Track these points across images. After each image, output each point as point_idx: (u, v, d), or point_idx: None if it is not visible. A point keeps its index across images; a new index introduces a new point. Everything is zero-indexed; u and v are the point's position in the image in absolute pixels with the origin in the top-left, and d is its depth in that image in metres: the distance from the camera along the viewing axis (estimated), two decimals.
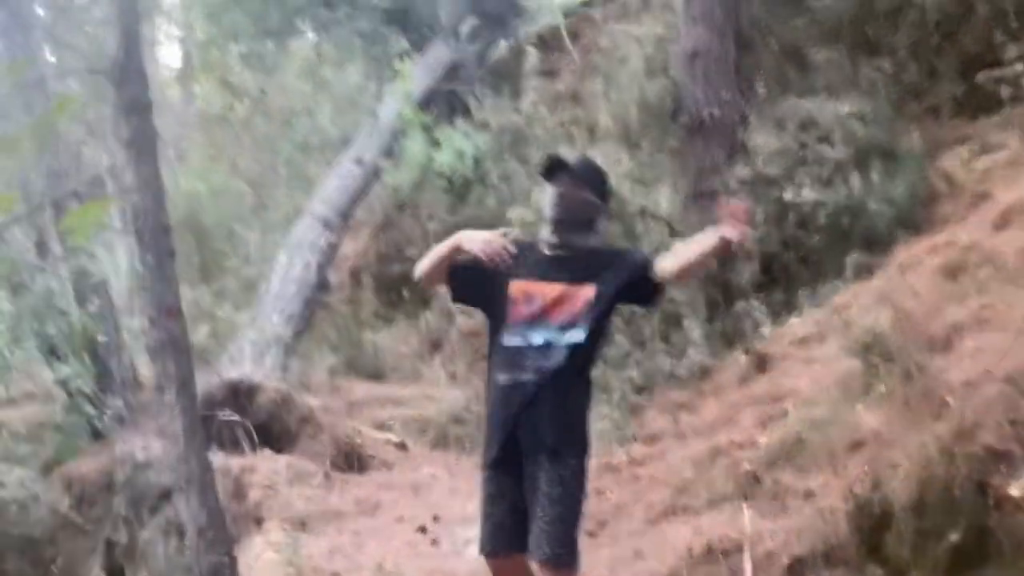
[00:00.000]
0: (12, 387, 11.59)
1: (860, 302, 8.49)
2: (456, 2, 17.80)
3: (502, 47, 18.84)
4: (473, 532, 5.64)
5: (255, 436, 10.04)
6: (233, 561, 7.45)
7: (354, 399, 11.84)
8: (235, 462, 9.56)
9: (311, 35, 19.28)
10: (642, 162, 11.94)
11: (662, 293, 5.63)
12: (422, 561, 8.08)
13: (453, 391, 11.81)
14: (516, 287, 5.25)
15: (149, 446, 9.46)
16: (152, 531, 9.54)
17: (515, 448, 5.15)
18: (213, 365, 11.54)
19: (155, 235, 7.03)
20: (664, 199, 11.22)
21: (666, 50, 12.33)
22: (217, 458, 9.27)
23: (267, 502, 9.10)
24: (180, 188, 16.22)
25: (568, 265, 5.26)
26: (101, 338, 10.66)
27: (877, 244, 9.67)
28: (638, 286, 5.33)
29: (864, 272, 9.30)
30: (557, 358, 5.12)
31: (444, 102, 16.38)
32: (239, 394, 10.37)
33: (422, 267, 5.50)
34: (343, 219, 13.62)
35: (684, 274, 5.52)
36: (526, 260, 5.34)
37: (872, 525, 5.96)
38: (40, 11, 12.05)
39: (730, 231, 4.97)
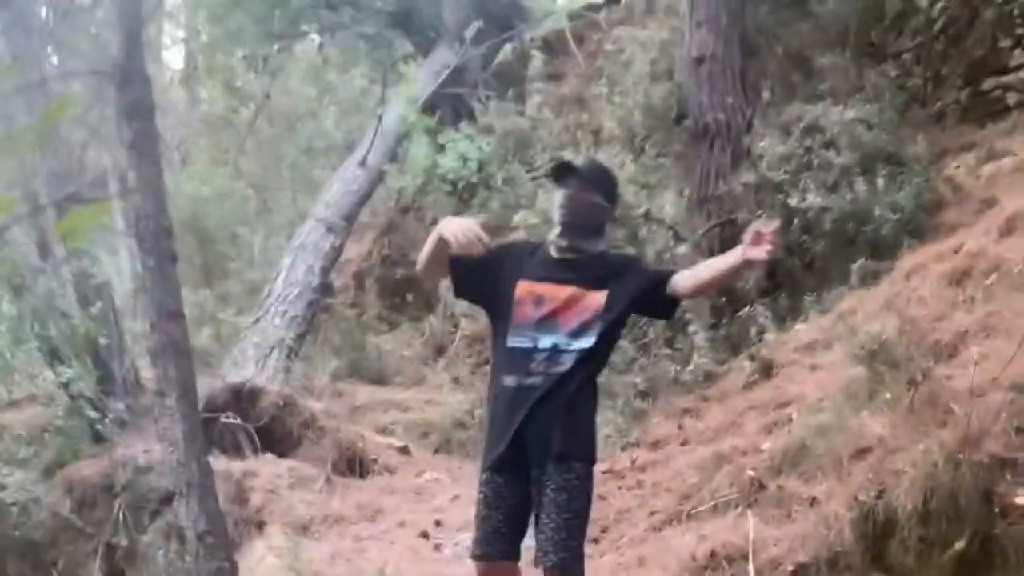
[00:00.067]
0: (14, 389, 11.58)
1: (866, 308, 8.46)
2: (461, 6, 17.79)
3: (507, 51, 18.86)
4: None
5: (257, 440, 10.03)
6: (234, 566, 7.42)
7: (357, 403, 11.82)
8: (237, 466, 9.54)
9: (315, 38, 19.28)
10: (646, 166, 11.93)
11: (676, 308, 5.62)
12: (424, 567, 8.04)
13: (456, 395, 11.80)
14: (523, 287, 5.18)
15: (150, 450, 9.43)
16: (153, 535, 9.52)
17: (520, 453, 5.07)
18: (215, 368, 11.52)
19: (156, 238, 6.99)
20: (668, 204, 11.20)
21: (671, 55, 12.31)
22: (219, 462, 9.26)
23: (269, 506, 9.07)
24: (183, 191, 16.21)
25: (577, 268, 5.20)
26: (103, 341, 10.63)
27: (883, 250, 9.65)
28: (653, 299, 5.30)
29: (870, 278, 9.27)
30: (566, 363, 5.05)
31: (448, 106, 16.38)
32: (241, 398, 10.36)
33: (419, 259, 5.46)
34: (347, 223, 13.59)
35: (701, 291, 5.55)
36: (533, 260, 5.28)
37: (877, 533, 5.93)
38: (43, 13, 12.01)
39: (756, 252, 4.93)
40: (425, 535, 8.55)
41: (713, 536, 6.67)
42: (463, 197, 14.82)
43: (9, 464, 10.27)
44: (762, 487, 6.93)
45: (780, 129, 10.71)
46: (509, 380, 5.11)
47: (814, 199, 9.96)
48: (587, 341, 5.08)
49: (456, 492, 9.30)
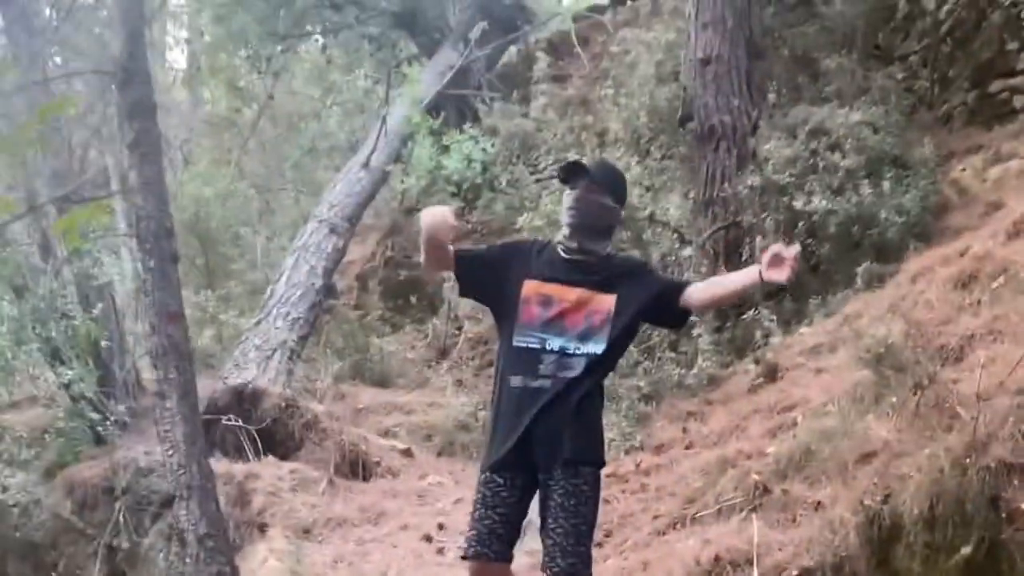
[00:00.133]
0: (15, 390, 11.57)
1: (871, 312, 8.42)
2: (465, 7, 17.76)
3: (511, 52, 18.85)
4: None
5: (259, 442, 10.00)
6: (234, 570, 7.40)
7: (359, 405, 11.79)
8: (238, 468, 9.51)
9: (319, 39, 19.26)
10: (651, 169, 11.91)
11: (687, 320, 5.59)
12: (427, 570, 8.02)
13: (460, 398, 11.78)
14: (530, 287, 5.11)
15: (152, 452, 9.41)
16: (154, 537, 9.51)
17: (524, 455, 5.01)
18: (217, 370, 11.50)
19: (158, 238, 6.97)
20: (673, 206, 11.19)
21: (677, 56, 12.28)
22: (220, 464, 9.26)
23: (271, 509, 9.03)
24: (186, 191, 16.19)
25: (586, 269, 5.14)
26: (105, 342, 10.62)
27: (888, 253, 9.61)
28: (664, 309, 5.26)
29: (875, 282, 9.24)
30: (576, 368, 4.99)
31: (453, 107, 16.37)
32: (243, 400, 10.34)
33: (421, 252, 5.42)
34: (350, 224, 13.56)
35: (713, 306, 5.58)
36: (541, 260, 5.22)
37: (882, 537, 5.87)
38: (46, 12, 11.99)
39: (776, 274, 4.90)
40: (428, 538, 8.52)
41: (718, 540, 6.62)
42: (467, 198, 14.81)
43: (10, 465, 10.28)
44: (767, 491, 6.88)
45: (786, 131, 10.66)
46: (515, 381, 5.04)
47: (819, 202, 9.92)
48: (597, 347, 5.01)
49: (459, 495, 9.26)
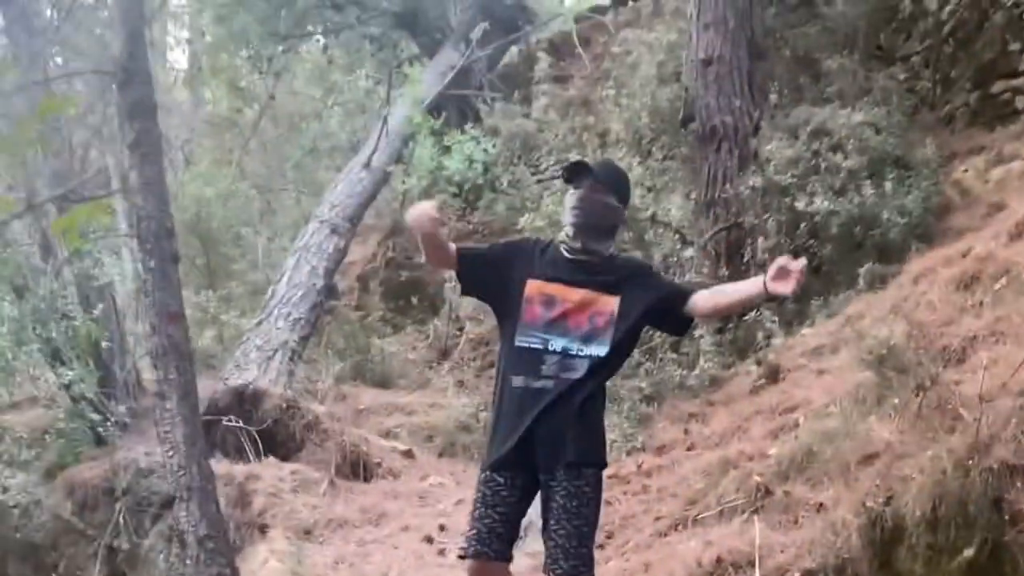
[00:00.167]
0: (15, 391, 11.55)
1: (873, 313, 8.41)
2: (467, 7, 17.75)
3: (513, 53, 18.84)
4: None
5: (260, 443, 9.98)
6: (235, 571, 7.38)
7: (361, 406, 11.78)
8: (239, 469, 9.49)
9: (320, 39, 19.25)
10: (653, 169, 11.89)
11: (690, 326, 5.61)
12: (428, 571, 8.00)
13: (461, 399, 11.76)
14: (532, 286, 5.09)
15: (152, 452, 9.39)
16: (154, 538, 9.49)
17: (525, 455, 4.99)
18: (218, 371, 11.48)
19: (158, 238, 6.95)
20: (675, 206, 11.17)
21: (678, 57, 12.27)
22: (221, 465, 9.24)
23: (271, 510, 9.01)
24: (187, 191, 16.17)
25: (589, 270, 5.12)
26: (105, 343, 10.60)
27: (890, 254, 9.60)
28: (669, 314, 5.25)
29: (877, 283, 9.23)
30: (579, 370, 4.98)
31: (454, 107, 16.36)
32: (244, 400, 10.32)
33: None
34: (351, 224, 13.54)
35: (717, 315, 5.57)
36: (544, 260, 5.19)
37: (885, 539, 5.86)
38: (46, 12, 11.98)
39: (781, 287, 4.89)
40: (429, 539, 8.51)
41: (719, 542, 6.60)
42: (468, 199, 14.80)
43: (11, 466, 10.26)
44: (769, 493, 6.86)
45: (787, 132, 10.66)
46: (517, 381, 5.02)
47: (821, 203, 9.91)
48: (600, 349, 5.00)
49: (461, 496, 9.23)
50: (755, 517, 6.73)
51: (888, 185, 9.88)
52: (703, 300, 5.17)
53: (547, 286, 5.07)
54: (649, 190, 11.42)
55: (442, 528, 8.65)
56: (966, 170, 10.19)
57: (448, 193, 14.86)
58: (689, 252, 10.70)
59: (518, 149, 15.09)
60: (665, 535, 7.32)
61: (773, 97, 11.16)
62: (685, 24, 12.21)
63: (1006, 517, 5.45)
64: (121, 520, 9.61)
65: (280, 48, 18.07)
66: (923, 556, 5.67)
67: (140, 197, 6.87)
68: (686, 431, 9.06)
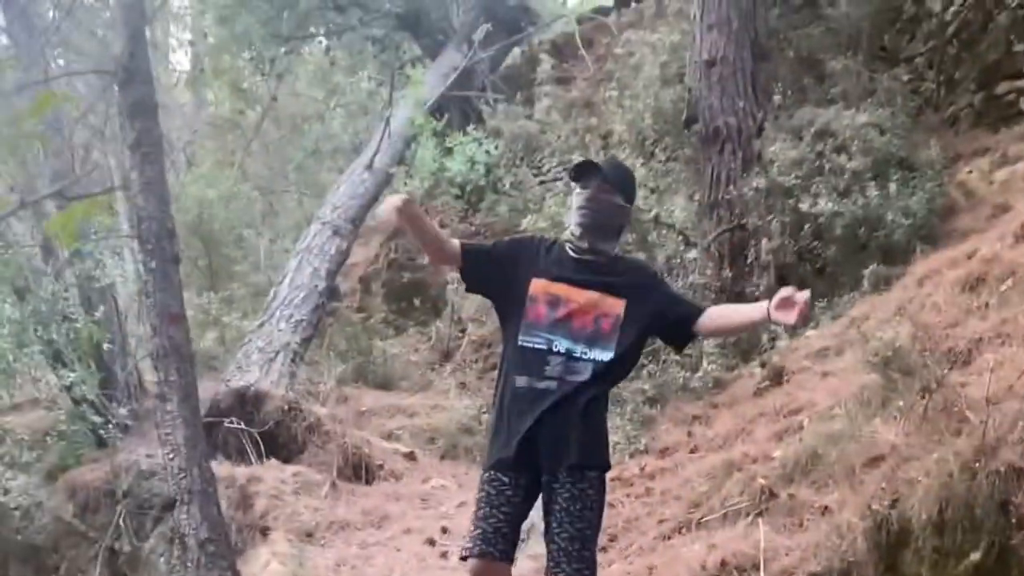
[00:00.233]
0: (16, 393, 11.53)
1: (878, 315, 8.37)
2: (469, 8, 17.74)
3: (515, 54, 18.82)
4: None
5: (262, 445, 9.96)
6: (236, 574, 7.35)
7: (362, 408, 11.77)
8: (241, 471, 9.47)
9: (323, 41, 19.23)
10: (656, 171, 11.85)
11: (690, 342, 5.60)
12: (430, 574, 7.98)
13: (463, 401, 11.75)
14: (537, 285, 5.03)
15: (153, 454, 9.36)
16: (156, 540, 9.47)
17: (528, 455, 4.92)
18: (220, 372, 11.47)
19: (159, 239, 6.92)
20: (678, 208, 11.14)
21: (681, 58, 12.23)
22: (223, 467, 9.23)
23: (273, 512, 8.99)
24: (189, 193, 16.15)
25: (596, 270, 5.06)
26: (107, 345, 10.58)
27: (895, 256, 9.56)
28: (674, 328, 5.23)
29: (882, 284, 9.19)
30: (583, 373, 4.92)
31: (456, 109, 16.36)
32: (246, 402, 10.31)
33: None
34: (353, 226, 13.53)
35: (719, 334, 5.54)
36: (549, 258, 5.13)
37: (890, 542, 5.80)
38: (47, 12, 11.97)
39: (784, 317, 4.87)
40: (431, 542, 8.48)
41: (723, 545, 6.56)
42: (471, 201, 14.79)
43: (12, 468, 10.25)
44: (773, 495, 6.82)
45: (791, 133, 10.62)
46: (520, 381, 4.96)
47: (825, 204, 9.88)
48: (604, 354, 4.94)
49: (463, 499, 9.21)
50: (759, 520, 6.68)
51: (892, 186, 9.84)
52: (708, 320, 5.15)
53: (552, 285, 5.01)
54: (652, 191, 11.39)
55: (444, 530, 8.62)
56: (971, 171, 10.15)
57: (450, 195, 14.87)
58: (692, 254, 10.66)
59: (520, 151, 15.08)
60: (669, 538, 7.28)
61: (777, 98, 11.10)
62: (688, 25, 12.18)
63: (1013, 520, 5.40)
64: (122, 522, 9.60)
65: (282, 50, 18.06)
66: (929, 560, 5.62)
67: (141, 197, 6.85)
68: (689, 433, 9.02)
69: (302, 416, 10.28)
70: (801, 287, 9.37)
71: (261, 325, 11.84)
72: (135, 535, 9.58)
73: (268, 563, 8.21)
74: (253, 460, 9.83)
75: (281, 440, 10.15)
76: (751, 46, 11.32)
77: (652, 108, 12.09)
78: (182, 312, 7.13)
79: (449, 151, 14.61)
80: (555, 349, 4.91)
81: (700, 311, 5.21)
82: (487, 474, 5.03)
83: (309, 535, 8.75)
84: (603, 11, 17.90)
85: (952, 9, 11.32)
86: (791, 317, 4.84)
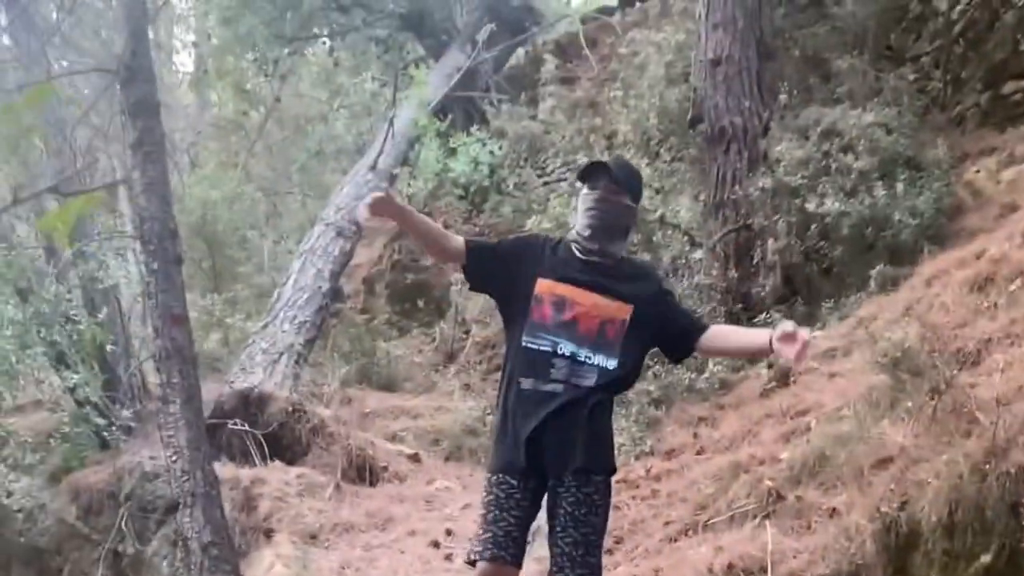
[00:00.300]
0: (19, 394, 11.50)
1: (885, 315, 8.32)
2: (473, 9, 17.71)
3: (519, 54, 18.80)
4: None
5: (265, 447, 9.92)
6: None
7: (366, 410, 11.74)
8: (245, 473, 9.43)
9: (326, 41, 19.20)
10: (661, 171, 11.82)
11: (689, 356, 5.53)
12: None
13: (467, 402, 11.73)
14: (543, 285, 4.95)
15: (157, 456, 9.33)
16: (159, 542, 9.44)
17: (534, 458, 4.86)
18: (223, 374, 11.44)
19: (161, 240, 6.88)
20: (683, 208, 11.10)
21: (687, 57, 12.18)
22: (226, 469, 9.19)
23: (277, 514, 8.95)
24: (193, 194, 16.13)
25: (603, 273, 4.99)
26: (110, 346, 10.56)
27: (902, 256, 9.50)
28: (675, 342, 5.21)
29: (889, 284, 9.13)
30: (588, 377, 4.86)
31: (460, 109, 16.33)
32: (249, 404, 10.27)
33: None
34: (357, 227, 13.47)
35: (718, 355, 5.50)
36: (555, 258, 5.06)
37: (900, 545, 5.77)
38: (49, 11, 11.94)
39: (786, 352, 4.78)
40: (436, 544, 8.43)
41: (730, 548, 6.52)
42: (474, 201, 14.76)
43: (15, 470, 10.25)
44: (780, 497, 6.78)
45: (797, 133, 10.57)
46: (526, 383, 4.89)
47: (832, 204, 9.82)
48: (608, 361, 4.88)
49: (467, 500, 9.17)
50: (767, 522, 6.64)
51: (899, 186, 9.78)
52: (709, 341, 5.13)
53: (558, 286, 4.94)
54: (657, 191, 11.35)
55: (449, 533, 8.58)
56: (978, 171, 10.10)
57: (454, 195, 14.84)
58: (698, 254, 10.62)
59: (524, 151, 15.05)
60: (675, 540, 7.23)
61: (783, 97, 11.06)
62: (693, 24, 12.14)
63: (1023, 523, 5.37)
64: (125, 525, 9.57)
65: (286, 51, 18.05)
66: (939, 562, 5.58)
67: (143, 198, 6.81)
68: (695, 435, 8.97)
69: (306, 418, 10.24)
70: (808, 287, 9.44)
71: (265, 326, 11.80)
72: (138, 538, 9.55)
73: (272, 565, 8.17)
74: (257, 462, 9.79)
75: (285, 442, 10.11)
76: (756, 45, 11.29)
77: (657, 108, 12.06)
78: (185, 314, 7.09)
79: (453, 152, 14.59)
80: (560, 352, 4.85)
81: (703, 328, 5.18)
82: (495, 477, 4.95)
83: (313, 537, 8.71)
84: (607, 11, 17.85)
85: (958, 8, 11.26)
86: (792, 353, 4.78)
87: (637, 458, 9.00)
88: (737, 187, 10.70)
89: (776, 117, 10.93)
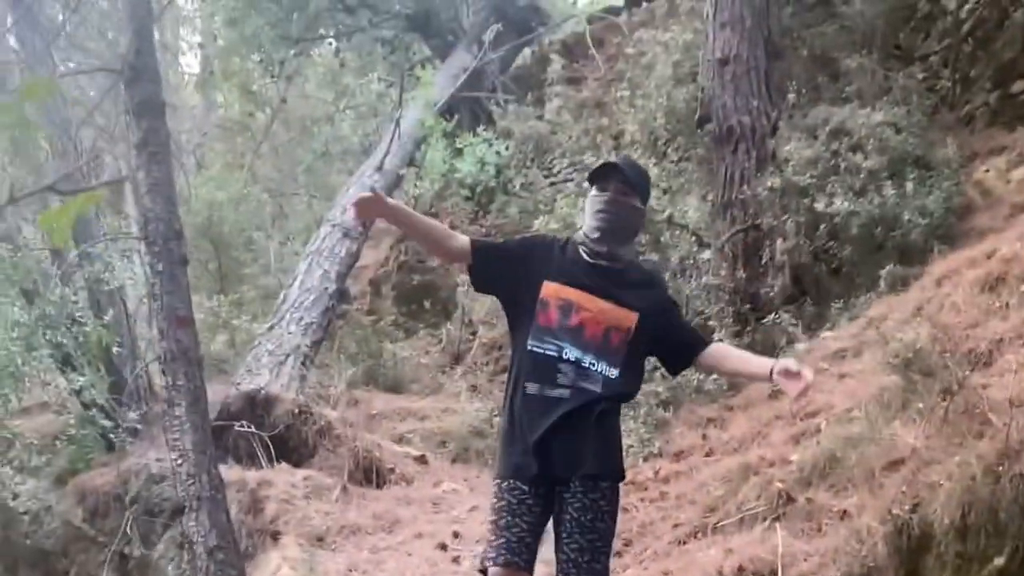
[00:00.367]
0: (26, 397, 11.47)
1: (896, 316, 8.27)
2: (479, 9, 17.68)
3: (525, 54, 18.77)
4: None
5: (272, 449, 9.89)
6: None
7: (373, 411, 11.71)
8: (251, 475, 9.40)
9: (332, 42, 19.18)
10: (669, 171, 11.77)
11: (686, 368, 5.53)
12: None
13: (474, 404, 11.69)
14: (549, 288, 4.90)
15: (163, 459, 9.29)
16: (166, 545, 9.41)
17: (543, 463, 4.81)
18: (230, 375, 11.41)
19: (167, 241, 6.84)
20: (691, 208, 11.06)
21: (694, 57, 12.15)
22: (233, 471, 9.17)
23: (284, 517, 8.91)
24: (199, 195, 16.10)
25: (611, 278, 4.94)
26: (116, 348, 10.53)
27: (912, 256, 9.45)
28: (675, 356, 5.21)
29: (899, 285, 9.08)
30: (594, 383, 4.81)
31: (467, 110, 16.29)
32: (256, 405, 10.24)
33: None
34: (363, 228, 13.43)
35: (716, 372, 5.44)
36: (563, 260, 5.01)
37: (911, 548, 5.73)
38: (54, 10, 11.93)
39: (787, 385, 4.80)
40: (443, 547, 8.39)
41: (740, 550, 6.49)
42: (481, 202, 14.72)
43: (21, 472, 10.23)
44: (791, 500, 6.74)
45: (806, 132, 10.52)
46: (532, 388, 4.84)
47: (841, 203, 9.77)
48: (611, 369, 4.83)
49: (475, 503, 9.14)
50: (777, 525, 6.62)
51: (909, 185, 9.73)
52: (712, 356, 5.13)
53: (565, 290, 4.89)
54: (665, 192, 11.30)
55: (456, 535, 8.54)
56: (987, 170, 10.05)
57: (460, 196, 14.80)
58: (706, 254, 10.58)
59: (531, 151, 15.00)
60: (684, 543, 7.21)
61: (791, 97, 11.00)
62: (701, 24, 12.10)
63: None
64: (130, 528, 9.54)
65: (292, 52, 18.02)
66: (952, 565, 5.54)
67: (148, 198, 6.77)
68: (704, 436, 8.94)
69: (312, 420, 10.21)
70: (817, 287, 9.38)
71: (271, 328, 11.77)
72: (144, 540, 9.52)
73: (279, 568, 8.13)
74: (263, 464, 9.77)
75: (291, 444, 10.07)
76: (765, 44, 11.24)
77: (664, 108, 12.02)
78: (190, 315, 7.04)
79: (459, 152, 14.54)
80: (565, 357, 4.80)
81: (706, 343, 5.17)
82: (505, 483, 4.90)
83: (320, 540, 8.67)
84: (614, 11, 17.80)
85: (967, 7, 11.21)
86: (793, 391, 4.78)
87: (645, 460, 8.97)
88: (745, 187, 10.64)
89: (784, 116, 10.89)
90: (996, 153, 10.24)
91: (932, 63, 11.49)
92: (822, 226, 9.94)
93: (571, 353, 4.79)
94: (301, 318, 11.83)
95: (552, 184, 14.27)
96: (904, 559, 5.74)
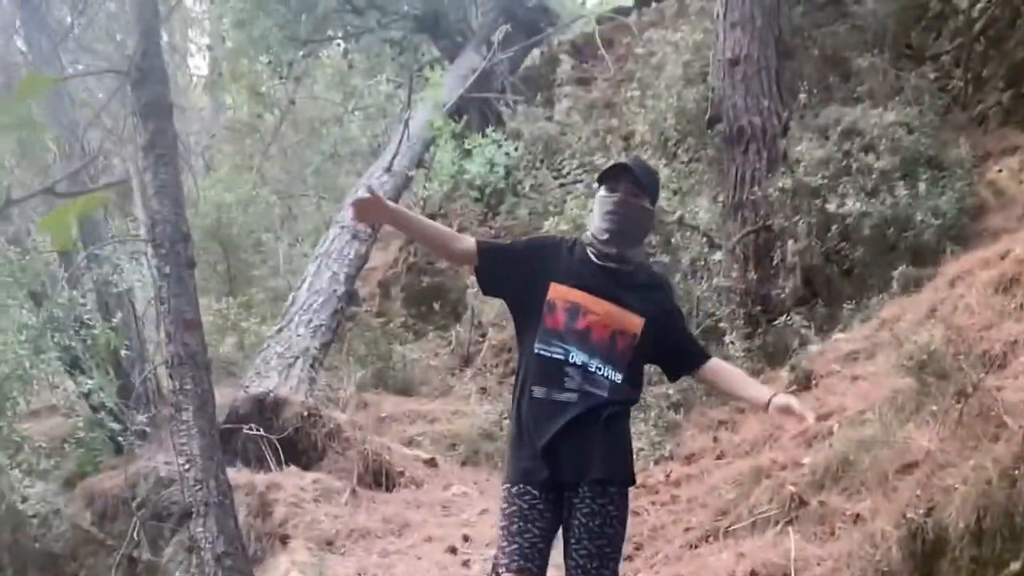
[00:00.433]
0: (34, 400, 11.46)
1: (908, 317, 8.21)
2: (488, 9, 17.66)
3: (534, 55, 18.74)
4: None
5: (281, 452, 9.84)
6: None
7: (382, 414, 11.67)
8: (260, 478, 9.35)
9: (341, 43, 19.17)
10: (679, 172, 11.73)
11: (683, 378, 5.57)
12: None
13: (484, 406, 11.64)
14: (556, 291, 4.85)
15: (172, 462, 9.25)
16: (174, 549, 9.37)
17: (553, 470, 4.77)
18: (238, 378, 11.38)
19: (174, 243, 6.79)
20: (702, 209, 11.01)
21: (704, 57, 12.11)
22: (241, 474, 9.13)
23: (293, 520, 8.87)
24: (207, 197, 16.08)
25: (619, 280, 4.89)
26: (124, 351, 10.51)
27: (924, 256, 9.40)
28: (676, 365, 5.20)
29: (912, 286, 9.01)
30: (601, 387, 4.77)
31: (476, 111, 16.26)
32: (264, 408, 10.20)
33: None
34: (372, 230, 13.40)
35: (712, 388, 5.98)
36: (571, 262, 4.96)
37: (926, 552, 5.68)
38: (62, 12, 11.91)
39: (784, 421, 4.82)
40: (453, 550, 8.34)
41: (752, 554, 6.44)
42: (490, 203, 14.68)
43: (30, 475, 10.20)
44: (803, 503, 6.69)
45: (817, 132, 10.47)
46: (539, 392, 4.80)
47: (853, 204, 9.72)
48: (617, 373, 4.80)
49: (484, 506, 9.09)
50: (789, 528, 6.57)
51: (921, 186, 9.68)
52: (712, 372, 5.10)
53: (572, 292, 4.84)
54: (675, 192, 11.26)
55: (466, 539, 8.49)
56: (1000, 170, 9.99)
57: (469, 197, 14.76)
58: (717, 255, 10.53)
59: (540, 152, 14.95)
60: (696, 547, 7.15)
61: (802, 97, 10.96)
62: (711, 24, 12.06)
63: None
64: (138, 532, 9.51)
65: (300, 53, 18.02)
66: (967, 569, 5.49)
67: (155, 200, 6.72)
68: (715, 439, 8.89)
69: (321, 422, 10.17)
70: (828, 289, 9.33)
71: (280, 330, 11.73)
72: (153, 544, 9.48)
73: (288, 572, 8.10)
74: (272, 467, 9.72)
75: (300, 447, 10.03)
76: (775, 44, 11.19)
77: (675, 108, 11.99)
78: (197, 318, 6.99)
79: (468, 153, 14.51)
80: (572, 360, 4.76)
81: (707, 358, 5.13)
82: (516, 488, 4.85)
83: (329, 543, 8.63)
84: (623, 11, 17.77)
85: (979, 6, 11.15)
86: (791, 427, 4.79)
87: (656, 463, 8.92)
88: (756, 188, 10.59)
89: (795, 116, 10.84)
90: (1009, 153, 10.19)
91: (944, 62, 11.44)
92: (834, 227, 9.89)
93: (578, 357, 4.75)
94: (310, 320, 11.79)
95: (562, 185, 14.22)
96: (918, 564, 5.68)
